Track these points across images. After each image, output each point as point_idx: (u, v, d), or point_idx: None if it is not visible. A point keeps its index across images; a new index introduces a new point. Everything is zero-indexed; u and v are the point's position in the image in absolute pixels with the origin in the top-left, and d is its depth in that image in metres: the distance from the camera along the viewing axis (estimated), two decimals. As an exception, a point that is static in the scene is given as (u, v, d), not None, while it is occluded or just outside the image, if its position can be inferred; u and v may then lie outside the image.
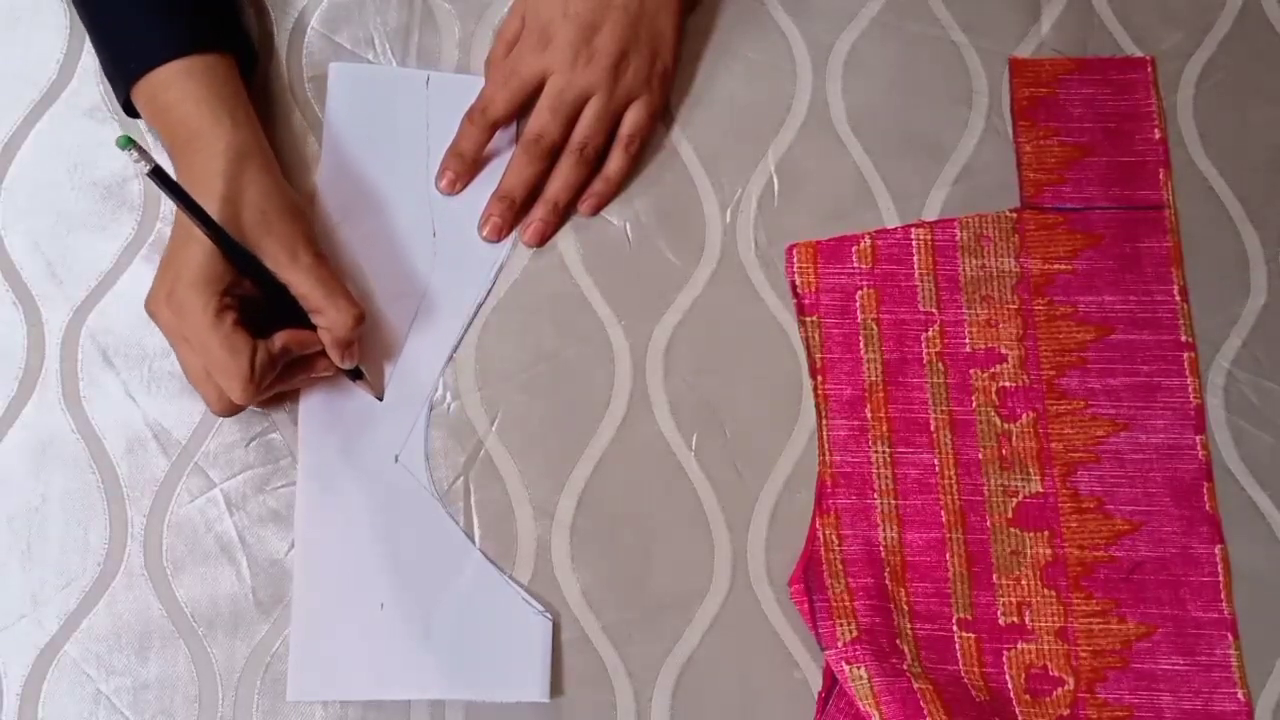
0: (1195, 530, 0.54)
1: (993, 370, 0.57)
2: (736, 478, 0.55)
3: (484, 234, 0.58)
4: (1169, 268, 0.58)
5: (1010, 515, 0.54)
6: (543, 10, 0.58)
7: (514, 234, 0.58)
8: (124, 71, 0.53)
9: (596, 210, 0.59)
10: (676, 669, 0.52)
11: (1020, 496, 0.55)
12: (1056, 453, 0.55)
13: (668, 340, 0.57)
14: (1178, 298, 0.58)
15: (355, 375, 0.54)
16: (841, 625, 0.51)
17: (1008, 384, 0.56)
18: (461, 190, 0.59)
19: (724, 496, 0.54)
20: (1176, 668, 0.52)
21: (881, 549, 0.54)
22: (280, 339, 0.51)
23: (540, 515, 0.54)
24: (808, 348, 0.57)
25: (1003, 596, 0.53)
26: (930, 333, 0.57)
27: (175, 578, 0.53)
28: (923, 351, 0.57)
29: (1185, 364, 0.57)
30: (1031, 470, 0.55)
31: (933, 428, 0.56)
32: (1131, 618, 0.53)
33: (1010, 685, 0.52)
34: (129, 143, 0.44)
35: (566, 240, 0.59)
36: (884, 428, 0.56)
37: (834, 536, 0.54)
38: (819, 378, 0.56)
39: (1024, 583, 0.54)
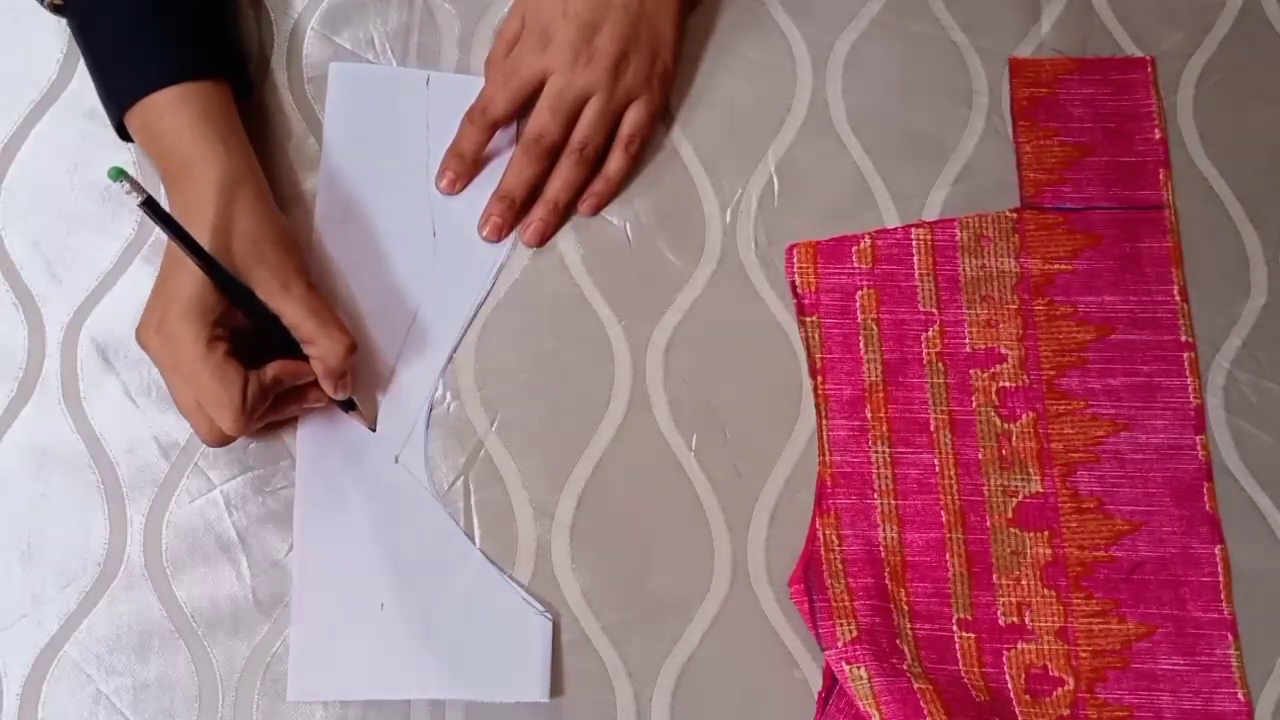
0: (1195, 530, 0.54)
1: (993, 370, 0.57)
2: (736, 478, 0.55)
3: (484, 234, 0.58)
4: (1169, 268, 0.58)
5: (1010, 515, 0.54)
6: (543, 10, 0.58)
7: (514, 234, 0.58)
8: (118, 96, 0.53)
9: (596, 210, 0.59)
10: (676, 669, 0.52)
11: (1020, 496, 0.55)
12: (1056, 453, 0.55)
13: (668, 340, 0.57)
14: (1178, 298, 0.58)
15: (348, 406, 0.54)
16: (841, 625, 0.51)
17: (1008, 384, 0.56)
18: (461, 190, 0.59)
19: (724, 496, 0.54)
20: (1176, 668, 0.52)
21: (881, 549, 0.54)
22: (272, 370, 0.51)
23: (540, 515, 0.54)
24: (808, 348, 0.57)
25: (1003, 596, 0.53)
26: (930, 333, 0.57)
27: (175, 578, 0.53)
28: (923, 351, 0.57)
29: (1185, 364, 0.57)
30: (1031, 470, 0.55)
31: (933, 428, 0.56)
32: (1131, 618, 0.53)
33: (1010, 685, 0.52)
34: (120, 174, 0.43)
35: (566, 240, 0.59)
36: (884, 428, 0.56)
37: (834, 536, 0.54)
38: (819, 378, 0.56)
39: (1024, 583, 0.54)
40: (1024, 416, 0.56)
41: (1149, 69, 0.62)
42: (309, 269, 0.54)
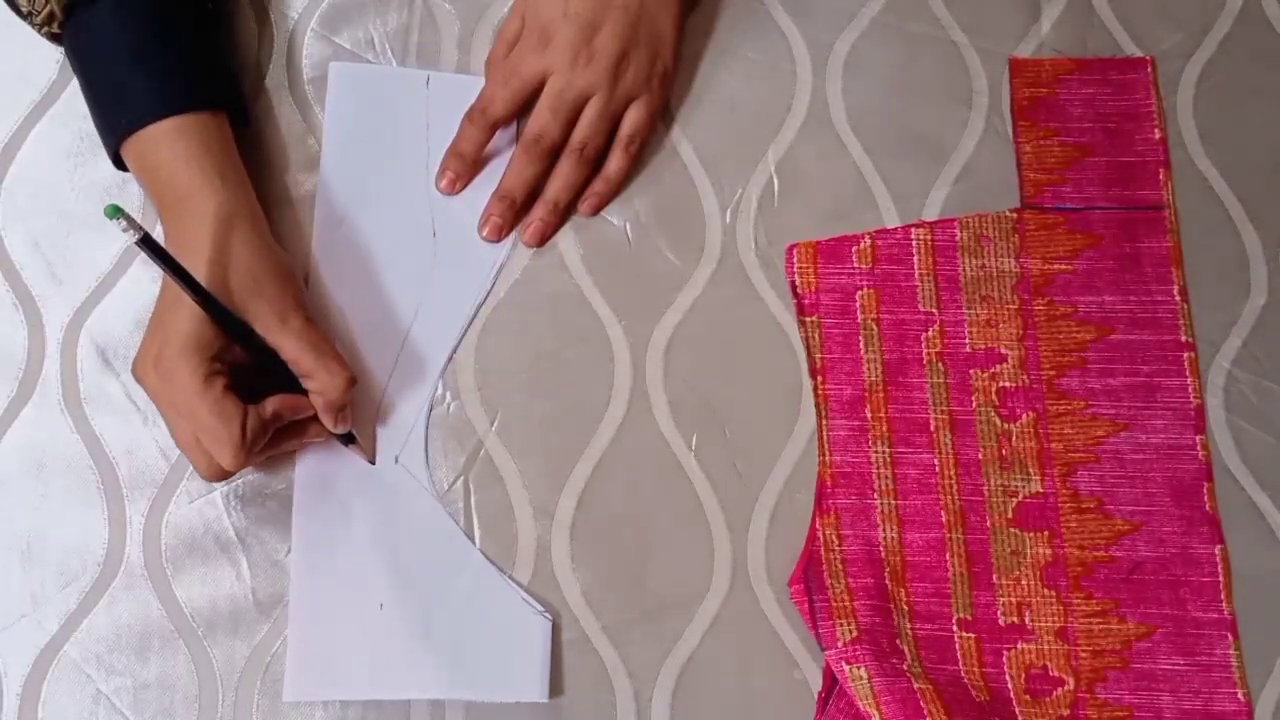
0: (1195, 530, 0.54)
1: (993, 370, 0.57)
2: (736, 478, 0.55)
3: (484, 234, 0.58)
4: (1169, 268, 0.58)
5: (1010, 515, 0.54)
6: (543, 10, 0.58)
7: (514, 234, 0.58)
8: (114, 126, 0.52)
9: (596, 210, 0.59)
10: (676, 669, 0.52)
11: (1020, 496, 0.55)
12: (1056, 453, 0.55)
13: (668, 340, 0.57)
14: (1178, 298, 0.58)
15: (347, 440, 0.53)
16: (841, 625, 0.51)
17: (1008, 384, 0.56)
18: (461, 190, 0.59)
19: (724, 496, 0.54)
20: (1176, 668, 0.52)
21: (881, 549, 0.54)
22: (271, 405, 0.50)
23: (540, 515, 0.54)
24: (808, 348, 0.57)
25: (1003, 596, 0.53)
26: (930, 333, 0.57)
27: (175, 578, 0.53)
28: (923, 351, 0.57)
29: (1185, 364, 0.57)
30: (1031, 470, 0.55)
31: (933, 428, 0.56)
32: (1131, 618, 0.53)
33: (1010, 685, 0.52)
34: (117, 212, 0.43)
35: (566, 240, 0.59)
36: (884, 428, 0.56)
37: (834, 536, 0.54)
38: (819, 378, 0.56)
39: (1024, 583, 0.54)
40: (1024, 416, 0.56)
41: (1149, 69, 0.62)
42: (307, 302, 0.53)
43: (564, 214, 0.59)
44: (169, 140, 0.51)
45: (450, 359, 0.56)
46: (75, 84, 0.60)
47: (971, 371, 0.57)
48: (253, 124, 0.58)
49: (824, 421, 0.56)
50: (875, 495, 0.55)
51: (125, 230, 0.44)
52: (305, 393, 0.52)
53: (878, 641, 0.51)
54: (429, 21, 0.62)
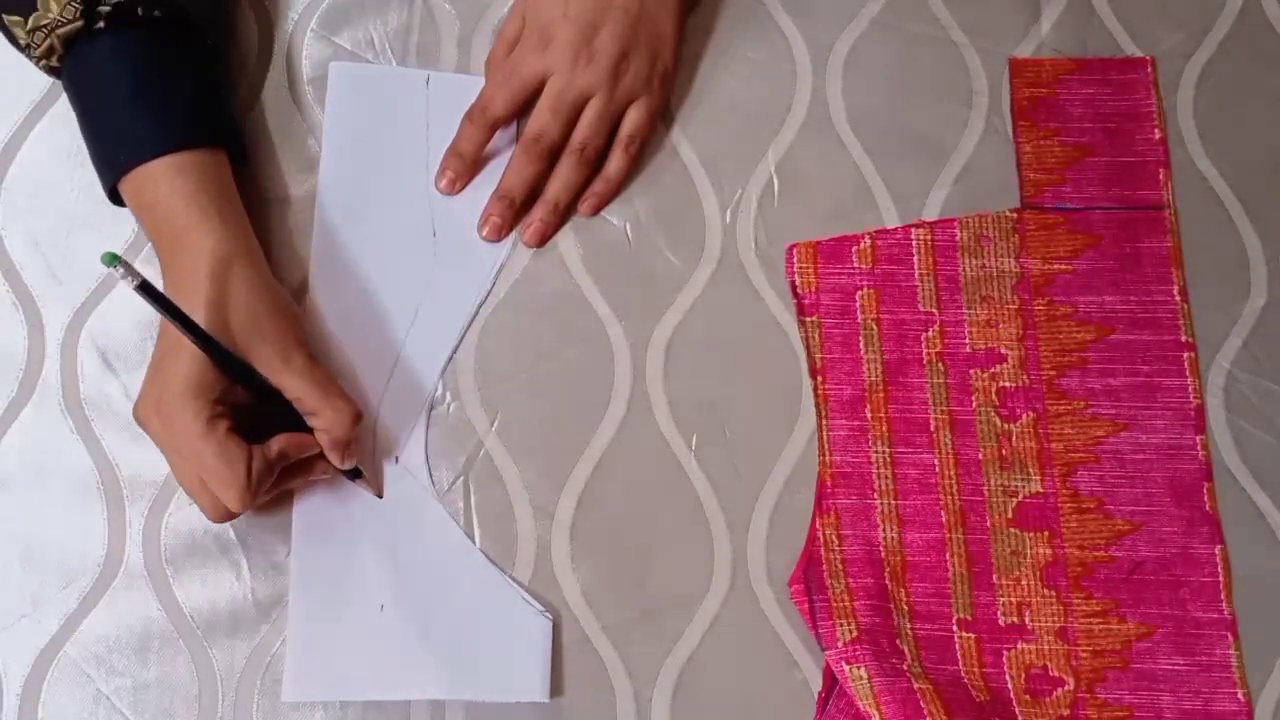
0: (1195, 530, 0.54)
1: (993, 370, 0.57)
2: (736, 478, 0.55)
3: (484, 234, 0.58)
4: (1169, 268, 0.58)
5: (1010, 515, 0.54)
6: (543, 11, 0.58)
7: (514, 234, 0.58)
8: (112, 162, 0.52)
9: (596, 210, 0.59)
10: (676, 669, 0.52)
11: (1020, 496, 0.55)
12: (1056, 453, 0.55)
13: (668, 340, 0.57)
14: (1178, 298, 0.58)
15: (354, 475, 0.53)
16: (841, 625, 0.51)
17: (1008, 384, 0.56)
18: (461, 190, 0.59)
19: (724, 496, 0.54)
20: (1176, 668, 0.52)
21: (881, 549, 0.54)
22: (277, 444, 0.49)
23: (540, 515, 0.54)
24: (808, 348, 0.57)
25: (1003, 596, 0.53)
26: (930, 333, 0.57)
27: (175, 579, 0.53)
28: (923, 351, 0.57)
29: (1185, 364, 0.57)
30: (1031, 470, 0.55)
31: (933, 428, 0.56)
32: (1131, 618, 0.53)
33: (1010, 685, 0.52)
34: (114, 259, 0.42)
35: (566, 240, 0.59)
36: (884, 428, 0.56)
37: (834, 536, 0.54)
38: (819, 378, 0.56)
39: (1024, 583, 0.54)
40: (1024, 416, 0.56)
41: (1149, 69, 0.62)
42: (308, 339, 0.53)
43: (564, 214, 0.59)
44: (167, 177, 0.51)
45: (450, 359, 0.56)
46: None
47: (971, 371, 0.57)
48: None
49: (824, 421, 0.56)
50: (875, 495, 0.55)
51: (123, 278, 0.43)
52: (310, 430, 0.51)
53: (878, 641, 0.51)
54: (429, 21, 0.62)
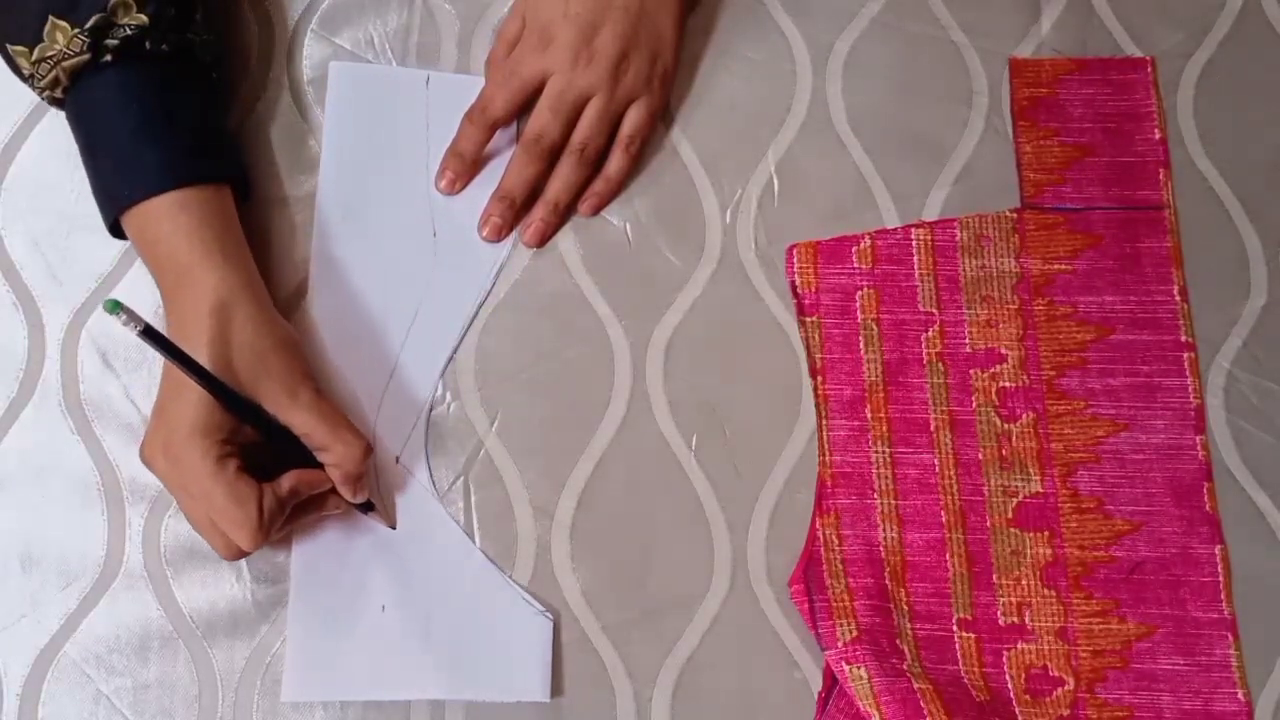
0: (1195, 530, 0.54)
1: (993, 370, 0.57)
2: (736, 478, 0.55)
3: (484, 234, 0.58)
4: (1169, 268, 0.58)
5: (1010, 515, 0.55)
6: (543, 11, 0.58)
7: (514, 234, 0.58)
8: (115, 196, 0.51)
9: (597, 210, 0.59)
10: (676, 669, 0.52)
11: (1020, 496, 0.55)
12: (1056, 453, 0.55)
13: (668, 340, 0.57)
14: (1178, 298, 0.58)
15: (366, 508, 0.53)
16: (841, 625, 0.51)
17: (1008, 384, 0.56)
18: (461, 190, 0.59)
19: (724, 496, 0.54)
20: (1176, 668, 0.52)
21: (881, 549, 0.54)
22: (288, 482, 0.49)
23: (540, 515, 0.54)
24: (808, 348, 0.57)
25: (1003, 596, 0.53)
26: (930, 333, 0.57)
27: (175, 579, 0.53)
28: (923, 352, 0.57)
29: (1185, 364, 0.57)
30: (1031, 470, 0.55)
31: (933, 428, 0.56)
32: (1131, 618, 0.53)
33: (1010, 685, 0.52)
34: (117, 307, 0.42)
35: (566, 240, 0.59)
36: (884, 428, 0.56)
37: (834, 536, 0.54)
38: (819, 378, 0.56)
39: (1024, 583, 0.54)
40: (1024, 416, 0.56)
41: (1149, 69, 0.62)
42: (314, 374, 0.52)
43: (564, 214, 0.59)
44: (170, 213, 0.50)
45: (450, 359, 0.56)
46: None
47: (971, 371, 0.57)
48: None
49: (824, 421, 0.56)
50: (875, 495, 0.55)
51: (126, 324, 0.42)
52: (320, 466, 0.50)
53: (878, 641, 0.51)
54: (429, 21, 0.62)
